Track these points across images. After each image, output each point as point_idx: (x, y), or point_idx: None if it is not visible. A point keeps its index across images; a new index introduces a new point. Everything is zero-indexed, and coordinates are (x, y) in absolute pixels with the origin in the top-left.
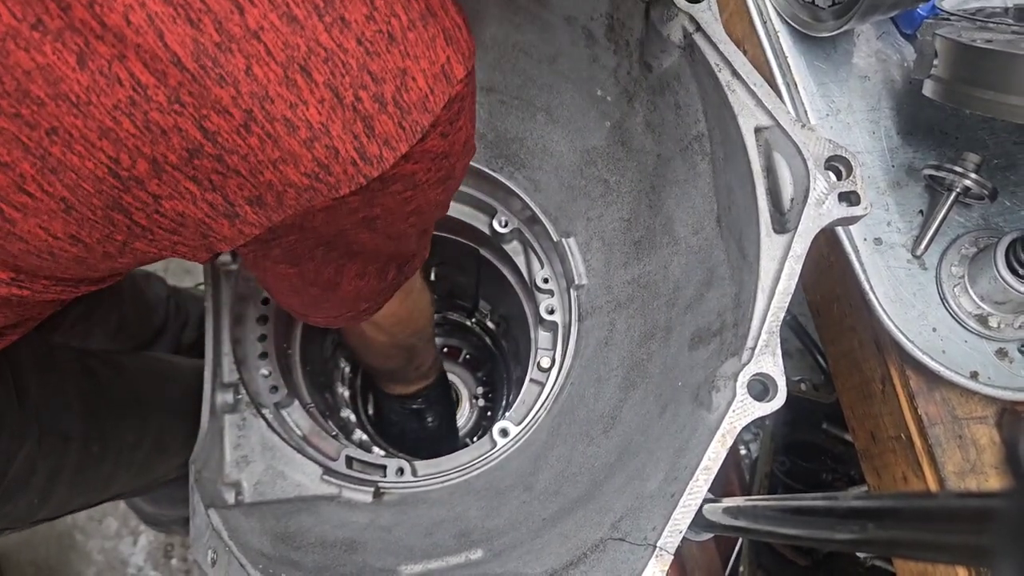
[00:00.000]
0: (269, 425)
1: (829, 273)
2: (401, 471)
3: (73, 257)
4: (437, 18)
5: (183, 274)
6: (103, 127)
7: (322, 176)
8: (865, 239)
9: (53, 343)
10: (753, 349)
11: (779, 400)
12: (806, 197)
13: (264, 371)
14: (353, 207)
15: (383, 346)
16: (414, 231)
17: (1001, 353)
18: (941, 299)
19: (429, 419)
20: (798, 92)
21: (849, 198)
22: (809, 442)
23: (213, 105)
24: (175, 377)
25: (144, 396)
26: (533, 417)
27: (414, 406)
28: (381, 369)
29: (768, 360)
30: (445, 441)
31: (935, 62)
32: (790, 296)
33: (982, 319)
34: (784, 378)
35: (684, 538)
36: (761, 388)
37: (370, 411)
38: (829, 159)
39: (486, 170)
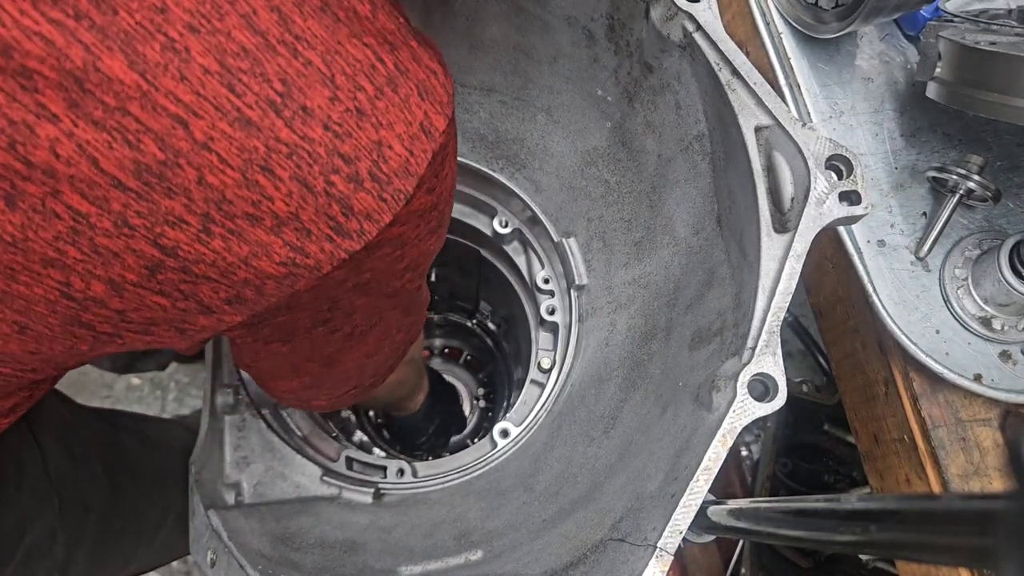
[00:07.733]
0: (269, 426)
1: (832, 275)
2: (401, 472)
3: (38, 361)
4: (409, 74)
5: None
6: (46, 258)
7: (299, 260)
8: (868, 241)
9: (79, 408)
10: (753, 349)
11: (780, 400)
12: (807, 196)
13: None
14: (340, 279)
15: (378, 401)
16: (412, 285)
17: (1005, 355)
18: (944, 301)
19: (437, 415)
20: (801, 94)
21: (850, 197)
22: (811, 444)
23: (165, 218)
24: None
25: (169, 471)
26: (534, 418)
27: (422, 415)
28: (380, 407)
29: (769, 360)
30: (456, 421)
31: (938, 64)
32: (791, 296)
33: (986, 321)
34: (784, 378)
35: (686, 540)
36: (762, 388)
37: (370, 413)
38: (830, 158)
39: (486, 171)
